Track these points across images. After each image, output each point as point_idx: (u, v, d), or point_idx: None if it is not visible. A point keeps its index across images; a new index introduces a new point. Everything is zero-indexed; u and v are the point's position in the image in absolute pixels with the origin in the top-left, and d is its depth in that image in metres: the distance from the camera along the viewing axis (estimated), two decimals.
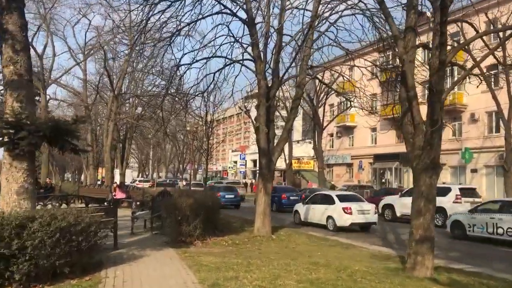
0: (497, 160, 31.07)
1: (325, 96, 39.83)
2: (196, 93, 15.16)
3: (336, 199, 16.77)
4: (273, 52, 13.81)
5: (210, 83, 15.29)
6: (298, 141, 55.57)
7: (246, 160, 55.27)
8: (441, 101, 7.39)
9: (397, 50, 8.51)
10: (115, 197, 21.90)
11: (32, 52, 28.89)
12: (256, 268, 7.92)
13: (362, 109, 15.60)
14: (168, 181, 57.82)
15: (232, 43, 14.06)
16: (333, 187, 38.05)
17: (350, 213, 15.99)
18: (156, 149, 66.58)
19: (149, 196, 22.44)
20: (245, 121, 65.97)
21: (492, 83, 25.82)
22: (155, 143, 55.25)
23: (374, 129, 43.92)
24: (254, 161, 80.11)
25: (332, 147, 49.27)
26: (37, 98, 28.37)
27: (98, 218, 7.40)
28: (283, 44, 14.05)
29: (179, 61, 13.04)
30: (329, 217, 16.35)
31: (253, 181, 70.42)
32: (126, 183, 25.80)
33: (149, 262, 8.34)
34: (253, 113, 45.74)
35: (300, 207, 18.17)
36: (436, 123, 7.36)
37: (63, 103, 34.18)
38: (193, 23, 12.90)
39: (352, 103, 15.05)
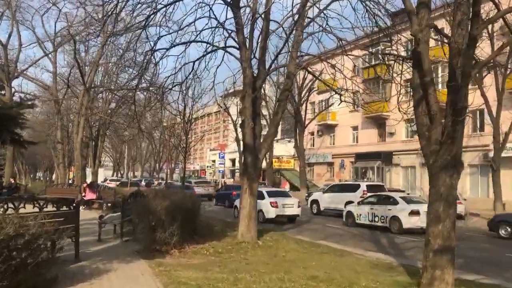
0: (481, 159, 30.65)
1: (307, 93, 38.84)
2: (174, 84, 13.69)
3: (266, 194, 19.16)
4: (259, 39, 12.52)
5: (189, 73, 13.94)
6: (277, 140, 54.42)
7: (224, 159, 53.78)
8: (467, 86, 6.23)
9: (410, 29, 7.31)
10: (84, 198, 20.26)
11: None
12: (245, 286, 6.60)
13: (353, 104, 14.43)
14: (144, 180, 55.83)
15: (214, 29, 12.69)
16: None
17: (276, 207, 18.69)
18: (131, 147, 64.45)
19: (121, 197, 20.91)
20: (224, 119, 64.46)
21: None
22: (129, 141, 53.24)
23: (355, 128, 43.22)
24: (233, 160, 78.78)
25: (313, 146, 48.32)
26: (2, 92, 26.37)
27: (51, 227, 5.96)
28: (270, 31, 12.78)
29: (154, 45, 11.51)
30: (259, 211, 17.13)
31: (232, 180, 69.21)
32: (97, 183, 24.02)
33: (115, 279, 6.92)
34: (233, 110, 44.34)
35: (237, 202, 18.49)
36: (461, 113, 6.19)
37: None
38: (170, 5, 11.47)
39: (343, 97, 13.92)
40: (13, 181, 24.47)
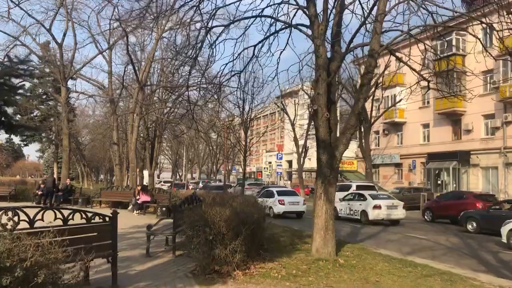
0: None
1: (374, 87, 35.87)
2: (232, 73, 11.80)
3: (275, 193, 22.21)
4: (332, 14, 10.35)
5: (250, 59, 12.04)
6: None
7: (282, 160, 51.75)
8: None
9: None
10: (138, 201, 18.95)
11: (51, 41, 26.65)
12: None
13: (449, 93, 11.85)
14: (201, 182, 54.82)
15: (278, 5, 10.69)
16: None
17: (283, 204, 21.51)
18: (188, 149, 64.07)
19: (177, 200, 19.41)
20: (282, 119, 62.43)
21: None
22: (187, 143, 52.60)
23: (426, 125, 39.61)
24: (290, 162, 76.64)
25: (378, 146, 45.10)
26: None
27: (62, 254, 4.14)
28: (346, 2, 10.57)
29: (209, 21, 9.62)
30: (270, 208, 20.67)
31: (289, 182, 67.03)
32: (146, 185, 22.71)
33: None
34: (290, 109, 42.28)
35: (271, 202, 21.80)
36: None
37: (82, 96, 31.51)
38: None
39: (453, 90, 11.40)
40: (68, 183, 23.87)
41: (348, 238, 14.24)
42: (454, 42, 33.64)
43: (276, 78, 12.68)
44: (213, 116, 27.29)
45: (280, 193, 22.01)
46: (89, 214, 5.68)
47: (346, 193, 23.47)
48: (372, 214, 19.56)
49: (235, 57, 11.37)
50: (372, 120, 36.42)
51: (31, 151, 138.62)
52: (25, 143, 57.19)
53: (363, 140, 36.23)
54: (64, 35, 24.34)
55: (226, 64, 11.25)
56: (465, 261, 11.05)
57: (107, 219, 5.96)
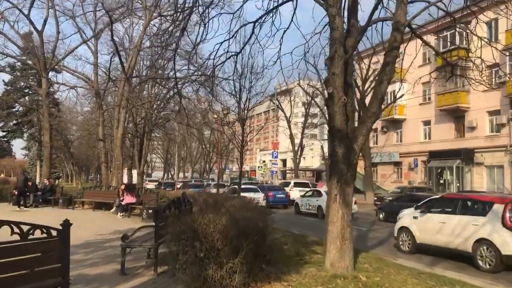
0: None
1: (373, 80, 34.24)
2: (228, 55, 10.06)
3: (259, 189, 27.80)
4: None
5: (248, 38, 10.41)
6: None
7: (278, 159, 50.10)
8: None
9: None
10: (122, 202, 17.15)
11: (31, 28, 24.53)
12: None
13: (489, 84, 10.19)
14: (194, 181, 52.75)
15: None
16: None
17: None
18: (180, 147, 62.19)
19: (165, 201, 17.63)
20: (276, 116, 60.77)
21: None
22: (180, 140, 50.74)
23: (427, 122, 38.10)
24: (284, 161, 75.10)
25: (376, 144, 43.51)
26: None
27: None
28: None
29: None
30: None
31: (282, 181, 65.42)
32: (134, 184, 20.95)
33: None
34: (284, 105, 40.53)
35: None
36: None
37: (64, 87, 29.32)
38: None
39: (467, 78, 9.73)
40: (47, 183, 21.98)
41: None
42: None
43: (278, 61, 10.76)
44: (206, 107, 25.33)
45: (244, 190, 24.84)
46: (25, 228, 3.91)
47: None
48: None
49: (231, 35, 9.70)
50: None
51: (17, 149, 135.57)
52: (5, 139, 54.82)
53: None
54: (45, 22, 22.45)
55: (221, 43, 9.51)
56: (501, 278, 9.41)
57: (54, 233, 4.20)
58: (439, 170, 36.18)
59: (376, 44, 19.68)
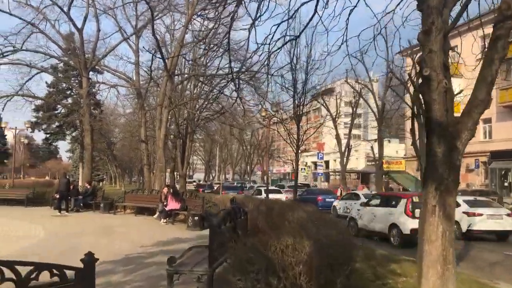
0: None
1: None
2: (286, 38, 8.49)
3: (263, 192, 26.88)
4: None
5: (310, 18, 8.79)
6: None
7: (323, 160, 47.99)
8: None
9: None
10: (166, 207, 15.92)
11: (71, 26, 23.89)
12: None
13: None
14: (236, 183, 51.33)
15: None
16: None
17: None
18: (222, 149, 61.27)
19: (211, 207, 16.27)
20: (321, 115, 58.64)
21: None
22: (221, 142, 49.71)
23: (487, 120, 35.01)
24: (327, 162, 72.70)
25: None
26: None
27: None
28: None
29: None
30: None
31: (326, 184, 63.11)
32: (176, 187, 19.67)
33: None
34: (331, 104, 38.61)
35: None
36: None
37: (105, 87, 28.45)
38: None
39: None
40: (88, 186, 21.15)
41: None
42: None
43: (344, 44, 9.05)
44: (256, 104, 23.42)
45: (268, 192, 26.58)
46: (22, 272, 2.46)
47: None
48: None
49: (290, 15, 8.14)
50: None
51: (63, 151, 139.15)
52: (49, 142, 55.58)
53: (416, 137, 32.15)
54: (85, 19, 21.73)
55: (278, 25, 7.97)
56: None
57: (68, 274, 2.73)
58: (503, 172, 33.17)
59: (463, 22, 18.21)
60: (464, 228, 14.27)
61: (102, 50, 25.11)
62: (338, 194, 28.73)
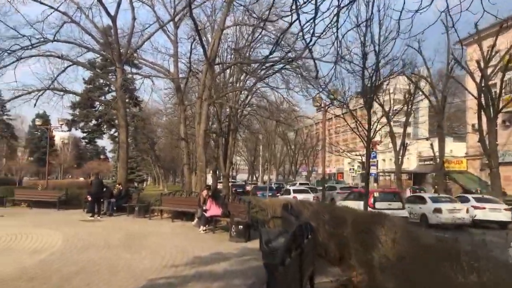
0: None
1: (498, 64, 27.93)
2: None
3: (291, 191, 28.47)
4: None
5: None
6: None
7: (377, 160, 44.49)
8: None
9: None
10: (206, 212, 13.66)
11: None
12: None
13: None
14: (277, 185, 48.57)
15: None
16: None
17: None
18: (265, 148, 58.97)
19: (258, 212, 13.87)
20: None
21: None
22: (265, 140, 47.41)
23: None
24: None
25: (497, 141, 36.44)
26: None
27: None
28: None
29: None
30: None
31: (375, 185, 59.26)
32: (219, 190, 17.47)
33: None
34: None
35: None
36: None
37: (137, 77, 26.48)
38: None
39: None
40: (121, 188, 19.27)
41: None
42: None
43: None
44: (312, 85, 20.56)
45: (295, 191, 28.23)
46: None
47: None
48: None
49: None
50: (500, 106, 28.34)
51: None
52: (86, 140, 55.05)
53: (484, 133, 28.40)
54: (118, 6, 19.87)
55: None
56: None
57: None
58: None
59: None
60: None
61: (139, 43, 23.36)
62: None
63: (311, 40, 5.85)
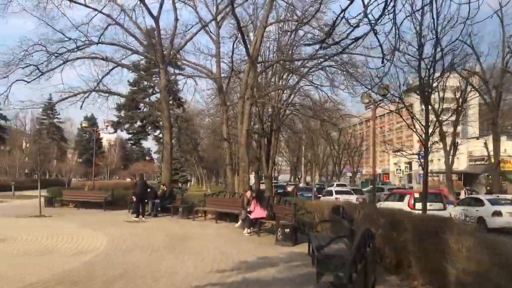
0: None
1: None
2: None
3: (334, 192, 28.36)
4: None
5: None
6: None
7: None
8: None
9: None
10: (250, 215, 13.24)
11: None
12: None
13: None
14: (318, 186, 47.22)
15: None
16: None
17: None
18: (308, 148, 58.08)
19: (304, 214, 13.28)
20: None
21: None
22: (308, 140, 46.59)
23: None
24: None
25: None
26: None
27: None
28: None
29: None
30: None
31: (416, 187, 57.08)
32: (262, 191, 17.00)
33: None
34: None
35: None
36: None
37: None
38: None
39: None
40: (165, 188, 19.21)
41: None
42: None
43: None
44: (358, 82, 19.72)
45: (337, 192, 27.95)
46: None
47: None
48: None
49: None
50: None
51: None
52: (131, 142, 56.08)
53: None
54: (161, 6, 19.91)
55: None
56: None
57: None
58: None
59: None
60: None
61: (182, 43, 23.36)
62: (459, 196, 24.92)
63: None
